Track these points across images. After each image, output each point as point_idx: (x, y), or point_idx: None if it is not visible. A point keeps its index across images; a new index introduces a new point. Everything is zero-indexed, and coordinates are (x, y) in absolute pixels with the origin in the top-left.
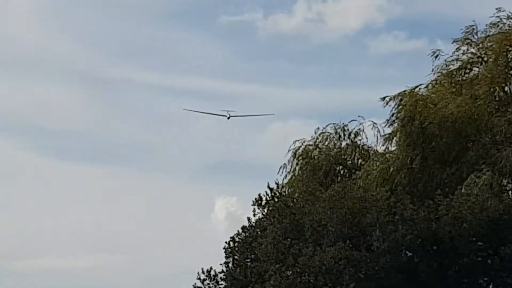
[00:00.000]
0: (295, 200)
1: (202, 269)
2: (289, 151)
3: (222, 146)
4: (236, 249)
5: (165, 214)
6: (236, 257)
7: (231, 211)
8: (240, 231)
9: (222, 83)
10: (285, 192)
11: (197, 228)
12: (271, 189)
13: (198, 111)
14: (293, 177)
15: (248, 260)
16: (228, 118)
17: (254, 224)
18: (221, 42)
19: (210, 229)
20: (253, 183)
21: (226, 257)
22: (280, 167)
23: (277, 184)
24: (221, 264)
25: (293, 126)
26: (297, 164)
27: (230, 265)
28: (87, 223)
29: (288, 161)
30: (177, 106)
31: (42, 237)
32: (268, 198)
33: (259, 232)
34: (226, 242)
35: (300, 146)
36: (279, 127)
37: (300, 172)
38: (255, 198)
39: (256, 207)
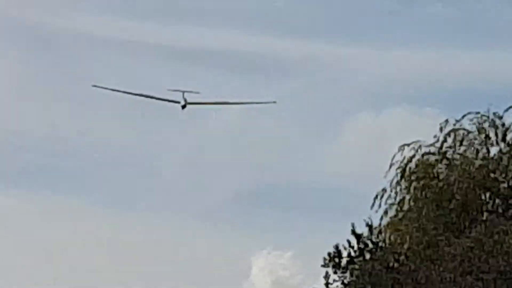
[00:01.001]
0: (402, 257)
1: None
2: (391, 165)
3: (262, 159)
4: None
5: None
6: None
7: (281, 277)
8: None
9: (276, 41)
10: (383, 242)
11: None
12: (358, 237)
13: (113, 89)
14: (399, 214)
15: None
16: (183, 107)
17: None
18: None
19: None
20: (321, 226)
21: None
22: (376, 196)
23: (369, 226)
24: None
25: (395, 117)
26: (407, 189)
27: None
28: None
29: (391, 184)
30: (173, 77)
31: None
32: (352, 254)
33: None
34: None
35: (413, 156)
36: (369, 120)
37: (412, 203)
38: (328, 254)
39: (329, 269)
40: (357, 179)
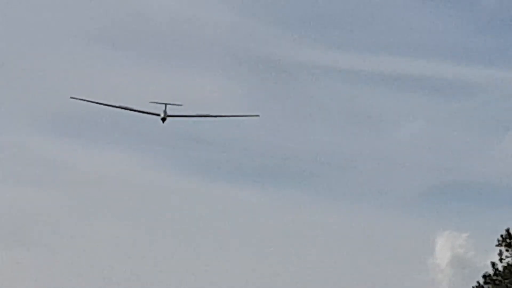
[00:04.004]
0: None
1: None
2: None
3: (456, 159)
4: None
5: (362, 261)
6: None
7: (458, 253)
8: (482, 282)
9: (447, 66)
10: None
11: (408, 279)
12: None
13: (89, 101)
14: None
15: None
16: (163, 119)
17: (502, 272)
18: (438, 12)
19: (428, 279)
20: (496, 212)
21: None
22: None
23: None
24: None
25: None
26: None
27: None
28: (251, 278)
29: None
30: (379, 98)
31: None
32: None
33: (509, 285)
34: None
35: None
36: None
37: None
38: (501, 236)
39: (502, 248)
40: None
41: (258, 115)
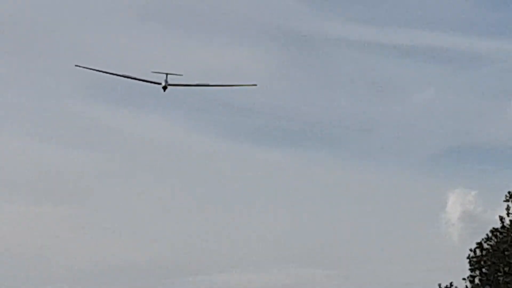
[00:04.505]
0: None
1: (440, 285)
2: None
3: (465, 123)
4: (485, 259)
5: (380, 216)
6: (484, 270)
7: (468, 209)
8: (490, 235)
9: (458, 38)
10: None
11: (422, 232)
12: None
13: (94, 69)
14: None
15: (501, 274)
16: (164, 88)
17: (509, 226)
18: None
19: (440, 233)
20: (503, 172)
21: (472, 270)
22: None
23: None
24: (464, 279)
25: None
26: None
27: (476, 280)
28: (280, 231)
29: None
30: (395, 69)
31: (232, 249)
32: None
33: None
34: (471, 250)
35: None
36: None
37: None
38: (509, 192)
39: (510, 203)
40: None
41: (255, 85)
